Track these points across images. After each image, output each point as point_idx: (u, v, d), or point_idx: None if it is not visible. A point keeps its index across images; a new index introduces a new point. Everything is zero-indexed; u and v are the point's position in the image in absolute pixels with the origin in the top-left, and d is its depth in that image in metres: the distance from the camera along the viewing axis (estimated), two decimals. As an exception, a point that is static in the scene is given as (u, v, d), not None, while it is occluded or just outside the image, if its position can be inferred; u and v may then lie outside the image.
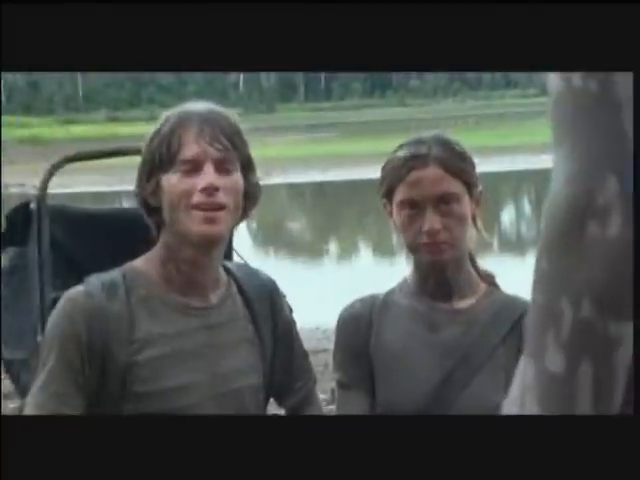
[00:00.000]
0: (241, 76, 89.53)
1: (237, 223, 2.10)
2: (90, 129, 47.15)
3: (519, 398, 0.93)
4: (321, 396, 5.73)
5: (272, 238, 19.24)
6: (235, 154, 2.02)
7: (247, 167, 2.06)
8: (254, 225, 21.27)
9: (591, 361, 0.87)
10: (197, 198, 1.97)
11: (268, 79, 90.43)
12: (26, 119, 60.08)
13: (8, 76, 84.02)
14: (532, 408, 0.91)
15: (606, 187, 0.85)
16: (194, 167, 1.99)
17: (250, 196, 2.08)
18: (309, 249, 17.23)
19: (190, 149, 1.99)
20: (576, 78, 0.87)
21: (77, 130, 48.68)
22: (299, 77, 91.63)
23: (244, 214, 2.08)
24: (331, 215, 20.86)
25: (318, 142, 37.42)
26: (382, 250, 14.55)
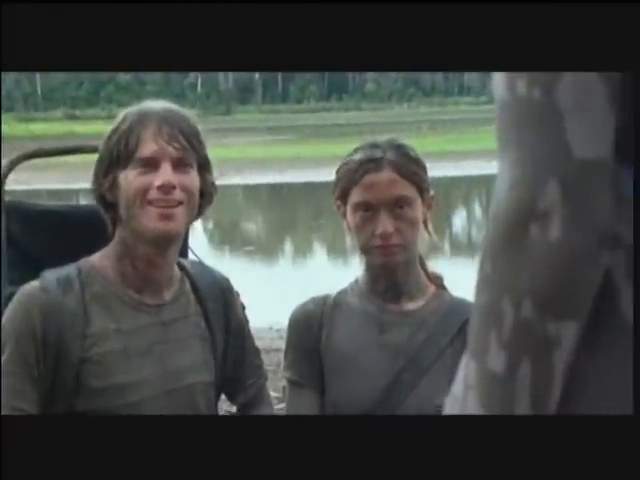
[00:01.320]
0: (199, 77, 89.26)
1: (192, 221, 2.10)
2: (48, 127, 46.82)
3: (461, 397, 0.94)
4: (273, 394, 5.71)
5: (228, 238, 19.21)
6: (192, 154, 2.02)
7: (204, 167, 2.06)
8: (210, 225, 21.20)
9: (530, 361, 0.89)
10: (153, 195, 1.97)
11: (226, 81, 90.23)
12: (-16, 116, 59.55)
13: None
14: (473, 406, 0.93)
15: (547, 192, 0.87)
16: (151, 165, 1.99)
17: (206, 195, 2.08)
18: (264, 249, 17.22)
19: (148, 147, 1.99)
20: (520, 86, 0.89)
21: (36, 128, 48.28)
22: (257, 80, 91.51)
23: (199, 212, 2.08)
24: (287, 216, 20.86)
25: (275, 144, 37.41)
26: (336, 251, 14.57)
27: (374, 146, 2.12)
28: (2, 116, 61.37)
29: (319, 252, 16.38)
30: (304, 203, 21.69)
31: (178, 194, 1.98)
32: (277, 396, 5.29)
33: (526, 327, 0.88)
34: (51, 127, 45.70)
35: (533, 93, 0.88)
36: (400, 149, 2.12)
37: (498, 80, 0.91)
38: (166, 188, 1.97)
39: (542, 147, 0.87)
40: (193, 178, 2.03)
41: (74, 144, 2.90)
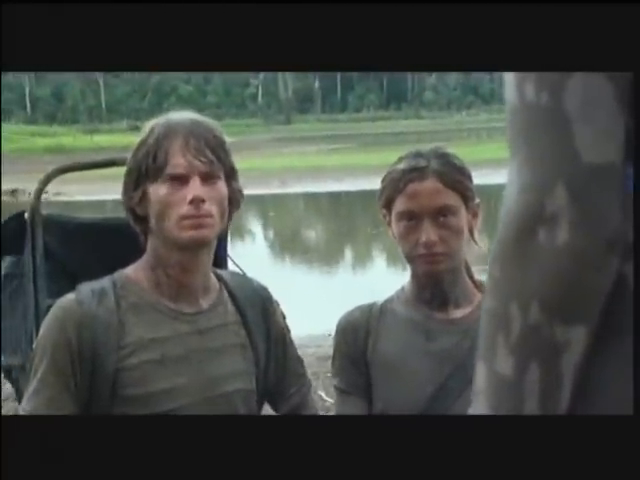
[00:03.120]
0: (259, 88, 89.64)
1: (222, 228, 2.11)
2: (112, 138, 47.25)
3: (472, 400, 0.95)
4: (330, 400, 5.70)
5: (288, 246, 19.24)
6: (219, 165, 2.04)
7: (230, 176, 2.09)
8: (271, 233, 21.24)
9: (538, 364, 0.88)
10: (185, 210, 2.00)
11: (286, 91, 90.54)
12: (51, 128, 60.28)
13: (34, 86, 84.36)
14: (483, 409, 0.93)
15: (555, 196, 0.87)
16: (181, 180, 2.01)
17: (233, 202, 2.11)
18: (324, 257, 17.22)
19: (177, 162, 2.01)
20: (529, 92, 0.89)
21: (100, 139, 48.78)
22: (316, 89, 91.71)
23: (228, 218, 2.11)
24: (346, 224, 20.84)
25: (334, 153, 37.42)
26: (395, 258, 14.51)
27: (418, 155, 2.12)
28: (67, 128, 62.08)
29: (378, 259, 16.34)
30: (363, 211, 21.69)
31: (208, 207, 2.01)
32: (333, 402, 5.29)
33: (534, 331, 0.88)
34: (115, 138, 46.10)
35: (541, 98, 0.88)
36: (444, 158, 2.11)
37: (508, 86, 0.91)
38: (196, 202, 1.99)
39: (550, 152, 0.87)
40: (221, 189, 2.05)
41: (108, 157, 2.92)
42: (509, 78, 0.91)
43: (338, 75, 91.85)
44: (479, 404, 0.94)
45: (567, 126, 0.87)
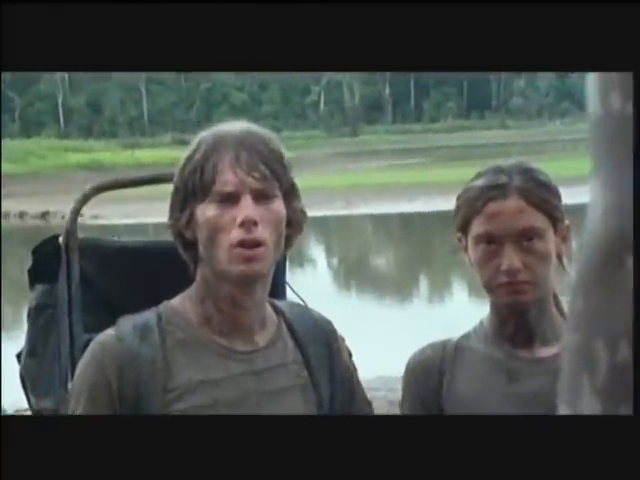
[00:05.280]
0: (322, 95, 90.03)
1: (280, 255, 2.10)
2: (156, 154, 47.73)
3: None
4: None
5: (355, 274, 19.28)
6: (275, 182, 2.02)
7: (290, 193, 2.06)
8: (335, 260, 21.32)
9: (628, 408, 0.88)
10: (236, 235, 1.97)
11: (352, 98, 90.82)
12: (86, 143, 61.10)
13: (67, 96, 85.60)
14: None
15: None
16: (231, 199, 1.99)
17: (294, 224, 2.08)
18: (396, 287, 17.23)
19: (226, 179, 1.99)
20: (615, 101, 0.89)
21: (142, 155, 49.32)
22: (386, 96, 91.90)
23: (288, 243, 2.08)
24: (421, 249, 20.85)
25: (407, 169, 37.48)
26: (478, 289, 14.46)
27: (499, 170, 2.12)
28: (105, 142, 62.90)
29: (458, 290, 16.30)
30: (439, 234, 21.68)
31: (261, 231, 1.98)
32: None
33: (623, 371, 0.88)
34: (158, 154, 46.58)
35: (627, 108, 0.88)
36: (528, 174, 2.11)
37: (591, 95, 0.92)
38: (247, 225, 1.97)
39: (638, 168, 0.87)
40: (277, 209, 2.02)
41: (152, 174, 2.94)
42: (592, 86, 0.92)
43: (412, 80, 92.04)
44: None
45: None
